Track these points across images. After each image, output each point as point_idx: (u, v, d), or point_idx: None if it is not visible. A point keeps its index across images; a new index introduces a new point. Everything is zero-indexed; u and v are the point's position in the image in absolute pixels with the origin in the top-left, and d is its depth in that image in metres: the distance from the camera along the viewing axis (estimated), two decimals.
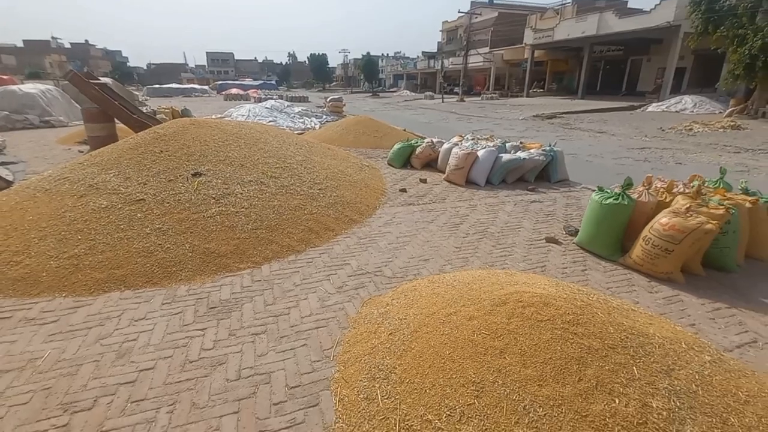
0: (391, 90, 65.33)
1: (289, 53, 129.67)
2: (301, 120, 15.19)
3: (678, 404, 1.82)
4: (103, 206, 4.04)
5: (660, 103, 23.33)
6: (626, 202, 3.94)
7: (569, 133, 15.18)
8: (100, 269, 3.44)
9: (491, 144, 7.95)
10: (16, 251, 3.57)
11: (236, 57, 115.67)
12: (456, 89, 46.50)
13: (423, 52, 61.63)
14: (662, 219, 3.66)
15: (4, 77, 27.26)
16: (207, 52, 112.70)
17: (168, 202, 4.19)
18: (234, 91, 41.56)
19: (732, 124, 15.78)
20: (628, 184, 4.04)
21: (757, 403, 2.01)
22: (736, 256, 3.88)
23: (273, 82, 53.85)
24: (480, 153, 7.09)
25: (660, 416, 1.75)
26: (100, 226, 3.82)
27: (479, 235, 4.68)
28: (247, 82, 51.48)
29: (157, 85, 44.25)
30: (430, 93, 44.48)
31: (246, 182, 4.82)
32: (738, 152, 10.81)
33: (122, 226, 3.84)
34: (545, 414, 1.75)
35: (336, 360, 2.50)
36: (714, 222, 3.45)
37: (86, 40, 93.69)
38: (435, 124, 18.35)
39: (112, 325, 2.86)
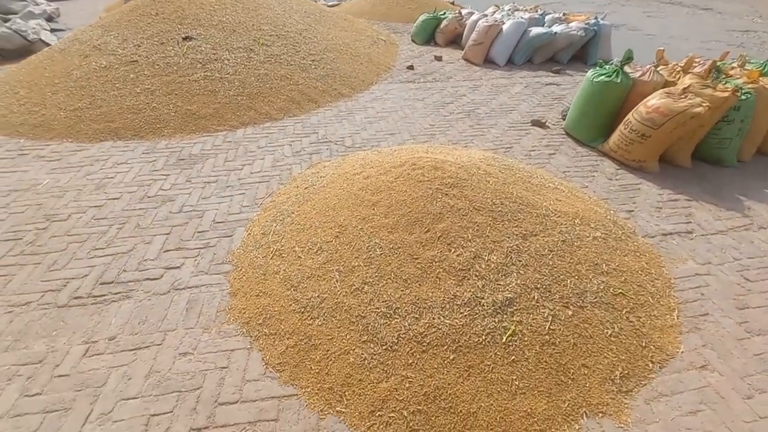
0: None
1: None
2: None
3: (513, 261, 1.93)
4: (102, 66, 4.40)
5: None
6: (619, 80, 3.46)
7: (664, 8, 12.39)
8: (98, 121, 3.94)
9: (533, 15, 6.89)
10: (35, 103, 4.15)
11: None
12: None
13: None
14: (650, 101, 3.22)
15: None
16: None
17: (158, 65, 4.44)
18: None
19: None
20: (627, 59, 3.48)
21: (617, 276, 2.06)
22: (738, 150, 3.40)
23: None
24: (505, 26, 6.23)
25: (487, 267, 1.89)
26: (99, 84, 4.24)
27: (463, 115, 4.48)
28: None
29: None
30: None
31: (235, 48, 4.85)
32: None
33: (117, 85, 4.23)
34: (382, 253, 1.97)
35: (261, 206, 2.86)
36: (705, 105, 2.98)
37: None
38: None
39: (99, 165, 3.42)
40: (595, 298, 1.90)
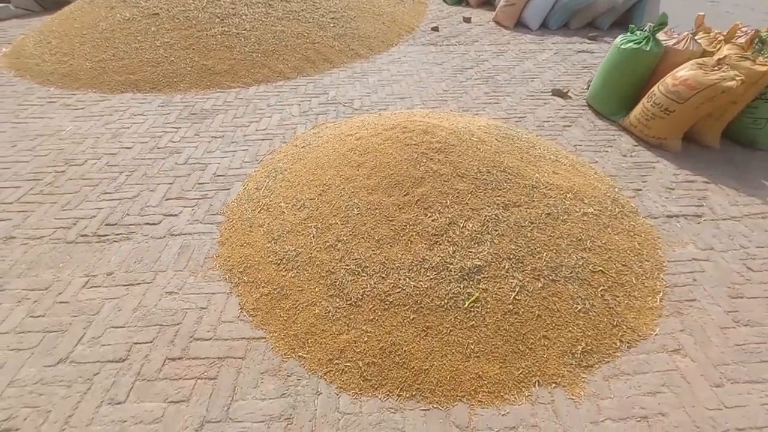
0: None
1: None
2: None
3: (489, 230, 1.91)
4: (126, 18, 4.50)
5: None
6: (649, 48, 3.17)
7: None
8: (120, 73, 4.08)
9: None
10: (65, 53, 4.34)
11: None
12: None
13: None
14: (679, 72, 2.95)
15: None
16: None
17: (178, 18, 4.48)
18: None
19: None
20: (661, 24, 3.17)
21: (600, 253, 1.99)
22: None
23: None
24: None
25: (461, 234, 1.88)
26: (122, 36, 4.35)
27: (480, 82, 4.29)
28: None
29: None
30: None
31: (254, 3, 4.80)
32: None
33: (139, 38, 4.32)
34: (359, 213, 2.00)
35: (260, 163, 2.93)
36: (739, 79, 2.70)
37: None
38: None
39: (118, 116, 3.58)
40: (571, 273, 1.86)
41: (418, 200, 1.98)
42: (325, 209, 2.07)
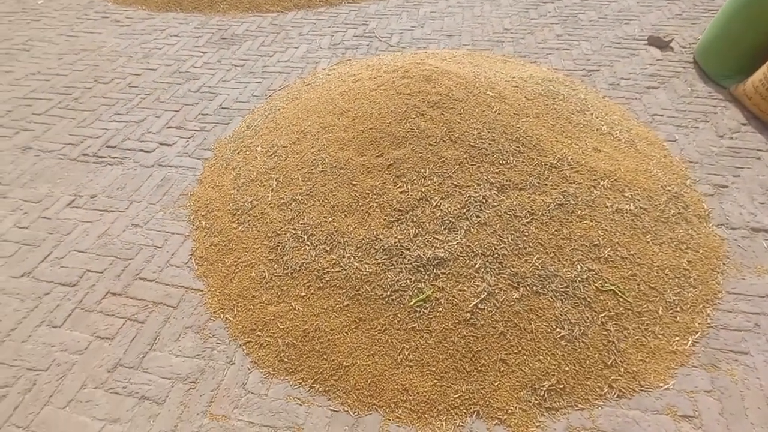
0: None
1: None
2: None
3: (468, 215, 1.50)
4: None
5: None
6: None
7: None
8: None
9: None
10: None
11: None
12: None
13: None
14: None
15: None
16: None
17: None
18: None
19: None
20: None
21: (621, 267, 1.50)
22: None
23: None
24: None
25: (431, 214, 1.51)
26: None
27: (556, 20, 3.44)
28: None
29: None
30: None
31: None
32: None
33: None
34: (322, 171, 1.70)
35: (267, 98, 2.70)
36: None
37: None
38: None
39: (155, 35, 3.55)
40: (566, 287, 1.42)
41: (390, 165, 1.62)
42: (292, 161, 1.81)
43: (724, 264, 1.68)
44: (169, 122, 2.60)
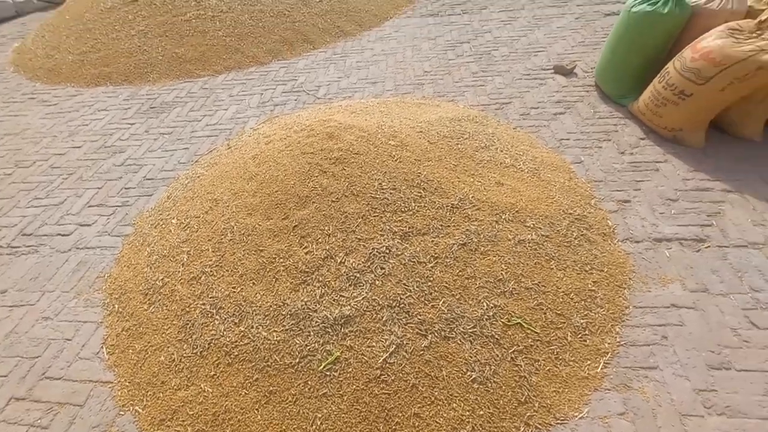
0: None
1: None
2: None
3: (373, 267, 1.52)
4: (107, 7, 4.43)
5: None
6: (666, 11, 2.42)
7: None
8: (96, 65, 4.04)
9: None
10: (53, 47, 4.39)
11: None
12: None
13: None
14: (702, 41, 2.22)
15: None
16: None
17: (155, 3, 4.32)
18: None
19: None
20: None
21: (527, 298, 1.54)
22: None
23: None
24: None
25: (336, 272, 1.52)
26: (102, 27, 4.29)
27: (472, 59, 3.68)
28: None
29: None
30: None
31: None
32: None
33: (116, 27, 4.24)
34: (231, 239, 1.70)
35: (193, 164, 2.71)
36: None
37: None
38: None
39: (83, 112, 3.54)
40: (473, 327, 1.44)
41: (296, 226, 1.63)
42: (204, 231, 1.80)
43: (630, 279, 1.75)
44: (90, 201, 2.55)
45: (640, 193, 2.16)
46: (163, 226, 2.03)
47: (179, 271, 1.72)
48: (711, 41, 2.15)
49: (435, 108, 2.67)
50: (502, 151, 2.17)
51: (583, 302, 1.58)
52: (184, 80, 3.85)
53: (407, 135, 1.98)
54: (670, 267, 1.80)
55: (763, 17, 2.14)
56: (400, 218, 1.63)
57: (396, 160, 1.80)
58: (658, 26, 2.49)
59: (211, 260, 1.68)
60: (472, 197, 1.76)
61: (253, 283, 1.56)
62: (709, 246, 1.87)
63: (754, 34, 2.07)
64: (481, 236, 1.64)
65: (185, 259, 1.75)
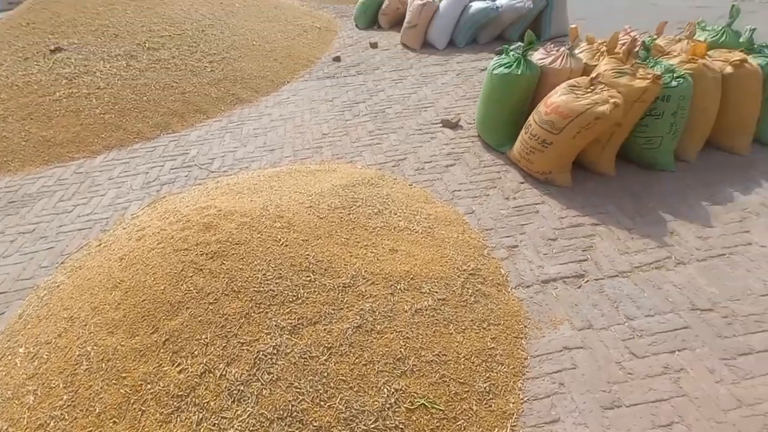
0: None
1: None
2: None
3: (259, 375, 1.38)
4: None
5: None
6: (520, 72, 2.76)
7: None
8: None
9: None
10: None
11: None
12: None
13: None
14: (551, 97, 2.54)
15: None
16: None
17: (17, 85, 3.90)
18: None
19: None
20: (529, 44, 2.77)
21: (428, 374, 1.49)
22: (677, 149, 2.71)
23: None
24: (441, 4, 5.44)
25: (216, 389, 1.34)
26: None
27: (368, 118, 3.83)
28: None
29: None
30: None
31: (113, 57, 4.26)
32: None
33: None
34: (88, 368, 1.44)
35: (57, 268, 2.35)
36: (614, 101, 2.29)
37: None
38: None
39: None
40: (375, 421, 1.34)
41: (166, 340, 1.44)
42: (55, 362, 1.51)
43: (525, 327, 1.81)
44: None
45: (525, 237, 2.32)
46: (9, 357, 1.67)
47: (24, 418, 1.39)
48: (557, 97, 2.48)
49: (331, 174, 2.67)
50: (396, 213, 2.20)
51: (484, 363, 1.58)
52: (53, 166, 3.43)
53: (295, 213, 1.92)
54: (558, 307, 1.90)
55: (593, 74, 2.52)
56: (287, 310, 1.52)
57: (282, 245, 1.72)
58: (515, 85, 2.82)
59: (62, 399, 1.39)
60: (366, 271, 1.72)
61: (114, 422, 1.30)
62: (587, 280, 2.03)
63: (589, 90, 2.42)
64: (377, 313, 1.59)
65: (31, 401, 1.43)
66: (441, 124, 3.59)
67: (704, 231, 2.26)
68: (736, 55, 2.62)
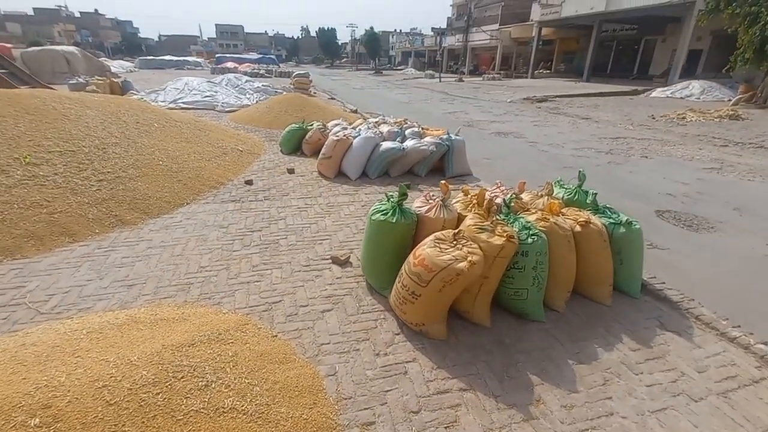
0: (399, 68, 62.53)
1: (302, 27, 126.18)
2: (246, 96, 14.07)
3: None
4: None
5: (665, 89, 20.97)
6: (395, 220, 2.81)
7: (550, 118, 13.57)
8: None
9: (391, 129, 6.78)
10: None
11: (246, 30, 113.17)
12: (462, 68, 44.22)
13: (432, 29, 58.03)
14: (419, 249, 2.54)
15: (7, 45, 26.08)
16: (216, 25, 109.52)
17: None
18: (230, 64, 40.09)
19: (731, 113, 13.85)
20: (403, 195, 2.89)
21: None
22: (541, 300, 2.74)
23: (273, 57, 51.32)
24: (355, 140, 5.93)
25: None
26: None
27: (257, 250, 3.63)
28: (246, 56, 49.72)
29: (150, 57, 43.41)
30: (431, 72, 42.05)
31: None
32: (725, 145, 9.29)
33: None
34: None
35: None
36: (473, 258, 2.32)
37: (95, 10, 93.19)
38: (413, 104, 16.82)
39: None
40: None
41: None
42: None
43: None
44: None
45: (386, 409, 2.01)
46: None
47: None
48: (424, 249, 2.47)
49: (177, 326, 2.29)
50: (229, 386, 1.83)
51: None
52: None
53: (74, 398, 1.49)
54: None
55: (456, 230, 2.60)
56: None
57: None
58: (392, 232, 2.83)
59: None
60: None
61: None
62: None
63: (452, 244, 2.46)
64: None
65: None
66: (331, 260, 3.47)
67: (569, 398, 2.12)
68: (582, 215, 2.90)
